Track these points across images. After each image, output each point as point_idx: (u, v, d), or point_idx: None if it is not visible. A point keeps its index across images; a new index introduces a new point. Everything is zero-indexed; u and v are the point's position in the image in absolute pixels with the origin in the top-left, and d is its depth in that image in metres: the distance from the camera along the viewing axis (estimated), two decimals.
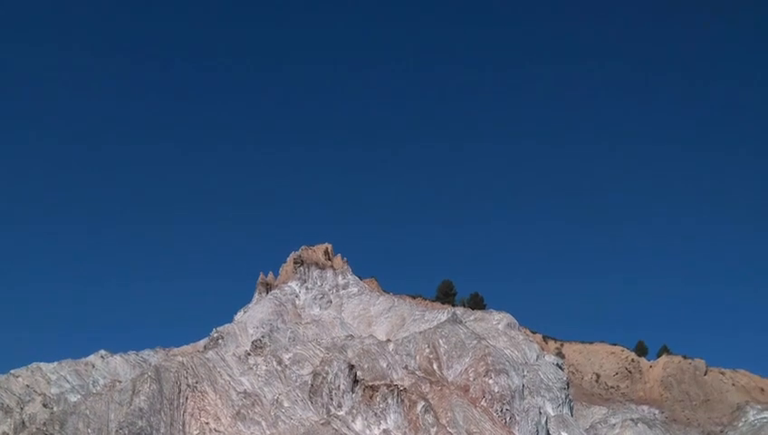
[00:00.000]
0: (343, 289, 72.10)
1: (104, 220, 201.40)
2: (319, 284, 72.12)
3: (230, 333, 64.82)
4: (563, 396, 59.03)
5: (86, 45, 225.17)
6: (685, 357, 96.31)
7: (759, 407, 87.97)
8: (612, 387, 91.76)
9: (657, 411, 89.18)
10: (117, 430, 50.24)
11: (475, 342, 57.84)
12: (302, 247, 75.66)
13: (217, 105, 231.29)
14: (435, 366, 57.17)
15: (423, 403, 52.29)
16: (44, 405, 61.19)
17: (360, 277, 74.79)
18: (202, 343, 67.25)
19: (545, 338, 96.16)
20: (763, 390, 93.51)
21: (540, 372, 59.22)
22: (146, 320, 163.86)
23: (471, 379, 55.16)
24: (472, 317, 66.54)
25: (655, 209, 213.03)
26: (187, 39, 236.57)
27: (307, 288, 71.30)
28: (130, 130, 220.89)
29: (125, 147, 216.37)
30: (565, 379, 61.34)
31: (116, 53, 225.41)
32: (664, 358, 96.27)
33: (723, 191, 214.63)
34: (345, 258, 76.16)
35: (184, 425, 52.49)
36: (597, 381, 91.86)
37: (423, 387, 54.37)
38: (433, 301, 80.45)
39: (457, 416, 51.76)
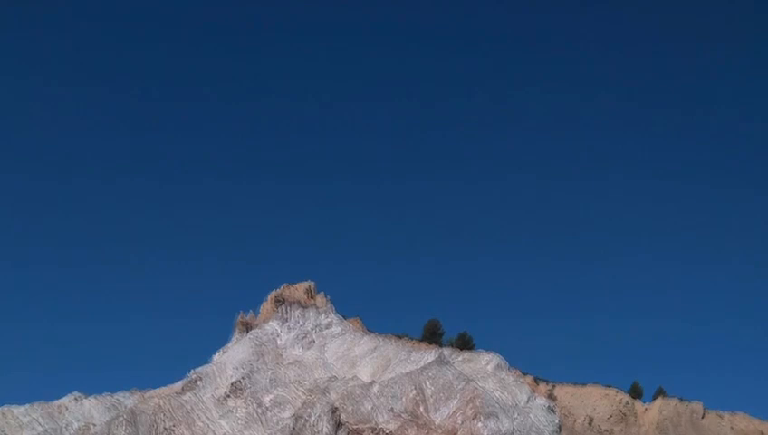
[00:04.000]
0: (326, 329, 71.26)
1: (77, 257, 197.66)
2: (300, 323, 71.31)
3: (208, 374, 64.27)
4: None
5: (58, 75, 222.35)
6: (681, 400, 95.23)
7: None
8: (606, 431, 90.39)
9: None
10: None
11: (463, 384, 57.59)
12: (284, 285, 75.29)
13: (194, 138, 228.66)
14: (421, 409, 56.77)
15: None
16: None
17: (343, 316, 74.13)
18: (179, 384, 66.35)
19: (536, 380, 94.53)
20: (762, 433, 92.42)
21: (531, 416, 58.61)
22: (121, 361, 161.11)
23: (459, 422, 54.97)
24: (460, 358, 66.01)
25: (650, 247, 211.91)
26: (164, 70, 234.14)
27: (288, 328, 70.52)
28: (103, 164, 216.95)
29: (98, 181, 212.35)
30: (557, 422, 60.74)
31: (90, 84, 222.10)
32: (660, 400, 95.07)
33: (720, 228, 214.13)
34: (328, 297, 75.70)
35: None
36: (590, 425, 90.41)
37: (409, 431, 54.48)
38: (419, 341, 79.03)
39: None
